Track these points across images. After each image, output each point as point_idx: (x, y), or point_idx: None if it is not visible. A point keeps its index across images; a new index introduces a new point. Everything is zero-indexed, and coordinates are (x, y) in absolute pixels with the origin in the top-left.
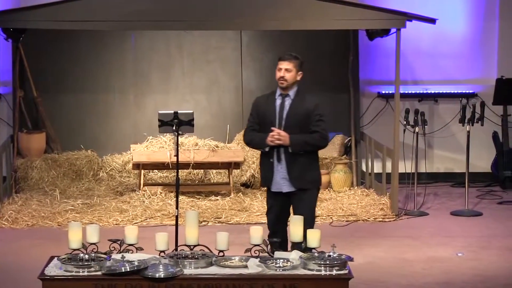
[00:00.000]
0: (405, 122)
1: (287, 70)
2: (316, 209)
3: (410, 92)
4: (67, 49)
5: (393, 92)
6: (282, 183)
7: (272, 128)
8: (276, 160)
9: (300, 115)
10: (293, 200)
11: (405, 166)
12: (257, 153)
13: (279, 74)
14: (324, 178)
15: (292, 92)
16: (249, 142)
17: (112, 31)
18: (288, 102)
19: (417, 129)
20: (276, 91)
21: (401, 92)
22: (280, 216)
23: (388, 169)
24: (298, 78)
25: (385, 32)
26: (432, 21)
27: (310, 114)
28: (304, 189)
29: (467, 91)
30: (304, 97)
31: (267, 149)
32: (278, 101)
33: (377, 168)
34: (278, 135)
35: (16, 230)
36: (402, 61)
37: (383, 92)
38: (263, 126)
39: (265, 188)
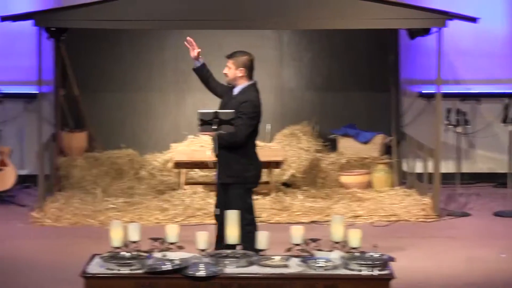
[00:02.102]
0: (446, 122)
1: (227, 67)
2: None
3: (451, 91)
4: (108, 48)
5: (434, 91)
6: (216, 174)
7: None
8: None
9: (229, 110)
10: (224, 193)
11: (447, 166)
12: (297, 152)
13: (223, 71)
14: (365, 178)
15: (237, 89)
16: None
17: (153, 30)
18: (231, 96)
19: (458, 129)
20: None
21: (443, 91)
22: (220, 202)
23: (430, 169)
24: (239, 74)
25: (426, 31)
26: (473, 20)
27: (236, 110)
28: (226, 183)
29: (510, 91)
30: (244, 94)
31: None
32: (228, 96)
33: (418, 168)
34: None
35: (59, 228)
36: (443, 60)
37: (424, 91)
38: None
39: (306, 188)
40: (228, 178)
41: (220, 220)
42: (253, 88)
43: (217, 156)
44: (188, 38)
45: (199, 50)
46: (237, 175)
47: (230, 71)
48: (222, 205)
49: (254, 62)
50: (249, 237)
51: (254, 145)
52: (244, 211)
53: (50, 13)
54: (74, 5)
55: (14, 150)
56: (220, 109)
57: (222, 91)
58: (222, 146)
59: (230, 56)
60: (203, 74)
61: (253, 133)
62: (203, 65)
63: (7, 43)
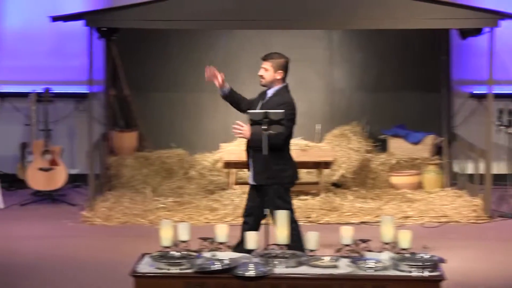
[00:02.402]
0: (498, 123)
1: (264, 69)
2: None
3: (503, 92)
4: (158, 48)
5: (486, 92)
6: (251, 175)
7: (237, 122)
8: (249, 154)
9: None
10: (259, 194)
11: (498, 167)
12: (347, 153)
13: (259, 73)
14: (415, 179)
15: (271, 91)
16: None
17: (202, 30)
18: (265, 99)
19: (510, 129)
20: None
21: (494, 92)
22: (252, 207)
23: (481, 170)
24: (278, 77)
25: (478, 31)
26: None
27: None
28: (264, 185)
29: None
30: (279, 96)
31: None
32: (261, 98)
33: (469, 169)
34: (238, 128)
35: (109, 227)
36: (495, 61)
37: (476, 92)
38: None
39: (356, 188)
40: (267, 179)
41: (252, 224)
42: (286, 90)
43: (253, 157)
44: (207, 67)
45: (222, 75)
46: (276, 176)
47: (268, 73)
48: (255, 209)
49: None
50: (295, 235)
51: (289, 146)
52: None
53: (100, 13)
54: (125, 5)
55: (65, 149)
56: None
57: (250, 104)
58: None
59: (267, 58)
60: (233, 99)
61: (290, 135)
62: (231, 90)
63: (58, 43)
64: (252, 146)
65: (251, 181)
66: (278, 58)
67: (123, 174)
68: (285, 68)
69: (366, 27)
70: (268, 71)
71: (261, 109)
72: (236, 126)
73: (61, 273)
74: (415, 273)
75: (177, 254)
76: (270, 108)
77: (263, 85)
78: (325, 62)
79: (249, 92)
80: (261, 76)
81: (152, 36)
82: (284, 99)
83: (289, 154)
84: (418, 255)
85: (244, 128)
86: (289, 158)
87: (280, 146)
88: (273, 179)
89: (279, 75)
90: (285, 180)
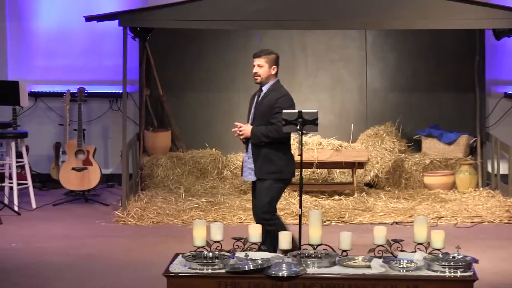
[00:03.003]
0: None
1: (259, 66)
2: (278, 201)
3: None
4: (193, 48)
5: None
6: (248, 173)
7: (235, 123)
8: (246, 151)
9: (264, 108)
10: (256, 189)
11: None
12: (381, 153)
13: (253, 71)
14: (448, 179)
15: (266, 87)
16: None
17: (237, 30)
18: (261, 96)
19: None
20: None
21: None
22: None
23: None
24: (273, 72)
25: None
26: None
27: (271, 108)
28: (262, 179)
29: None
30: (275, 91)
31: (244, 141)
32: (257, 96)
33: (503, 169)
34: (238, 129)
35: (142, 227)
36: None
37: (510, 92)
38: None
39: (389, 188)
40: (265, 174)
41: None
42: (280, 84)
43: (254, 153)
44: (236, 123)
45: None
46: (280, 171)
47: (263, 70)
48: (253, 200)
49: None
50: (272, 234)
51: (290, 141)
52: (274, 203)
53: (134, 13)
54: (159, 5)
55: (99, 149)
56: (251, 111)
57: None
58: (263, 143)
59: (261, 55)
60: None
61: None
62: None
63: (92, 43)
64: (254, 143)
65: (252, 178)
66: (271, 53)
67: (156, 174)
68: (277, 63)
69: (399, 27)
70: (263, 67)
71: (258, 104)
72: (235, 128)
73: (94, 273)
74: (448, 273)
75: (210, 254)
76: (268, 102)
77: (259, 83)
78: (359, 62)
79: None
80: (256, 74)
81: (186, 36)
82: (281, 92)
83: (290, 148)
84: (451, 255)
85: (244, 127)
86: (291, 153)
87: (282, 139)
88: (276, 173)
89: (273, 70)
90: (287, 176)
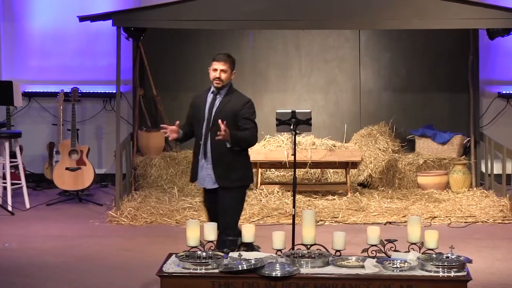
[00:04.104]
0: None
1: (223, 71)
2: (245, 206)
3: None
4: (186, 48)
5: None
6: (207, 180)
7: (219, 121)
8: (202, 156)
9: (227, 113)
10: (219, 196)
11: None
12: (374, 153)
13: (214, 75)
14: (442, 179)
15: (223, 90)
16: None
17: (231, 30)
18: (218, 99)
19: None
20: (210, 88)
21: None
22: (211, 212)
23: (508, 170)
24: (233, 77)
25: (506, 32)
26: None
27: (237, 113)
28: (228, 187)
29: None
30: (235, 95)
31: (201, 142)
32: (209, 98)
33: (497, 169)
34: (223, 130)
35: (135, 227)
36: None
37: (504, 92)
38: (195, 121)
39: (383, 188)
40: (233, 182)
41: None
42: (235, 88)
43: (216, 160)
44: (162, 125)
45: (177, 124)
46: (242, 177)
47: (226, 75)
48: (208, 207)
49: None
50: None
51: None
52: (237, 209)
53: (128, 13)
54: (153, 5)
55: (92, 149)
56: (199, 115)
57: (191, 119)
58: (244, 147)
59: (225, 59)
60: (185, 137)
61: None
62: (182, 133)
63: (86, 44)
64: (232, 146)
65: (212, 185)
66: (232, 58)
67: (150, 174)
68: (235, 67)
69: (394, 27)
70: (226, 72)
71: (218, 109)
72: (221, 128)
73: (87, 273)
74: (441, 273)
75: (203, 254)
76: (231, 108)
77: (219, 88)
78: (353, 63)
79: (277, 93)
80: (219, 78)
81: (180, 36)
82: (245, 97)
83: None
84: (445, 255)
85: (227, 130)
86: (249, 157)
87: (252, 146)
88: (239, 181)
89: (233, 75)
90: (250, 181)
